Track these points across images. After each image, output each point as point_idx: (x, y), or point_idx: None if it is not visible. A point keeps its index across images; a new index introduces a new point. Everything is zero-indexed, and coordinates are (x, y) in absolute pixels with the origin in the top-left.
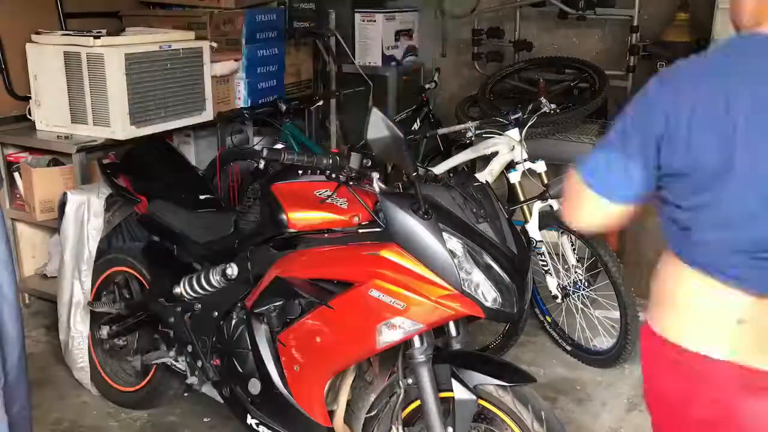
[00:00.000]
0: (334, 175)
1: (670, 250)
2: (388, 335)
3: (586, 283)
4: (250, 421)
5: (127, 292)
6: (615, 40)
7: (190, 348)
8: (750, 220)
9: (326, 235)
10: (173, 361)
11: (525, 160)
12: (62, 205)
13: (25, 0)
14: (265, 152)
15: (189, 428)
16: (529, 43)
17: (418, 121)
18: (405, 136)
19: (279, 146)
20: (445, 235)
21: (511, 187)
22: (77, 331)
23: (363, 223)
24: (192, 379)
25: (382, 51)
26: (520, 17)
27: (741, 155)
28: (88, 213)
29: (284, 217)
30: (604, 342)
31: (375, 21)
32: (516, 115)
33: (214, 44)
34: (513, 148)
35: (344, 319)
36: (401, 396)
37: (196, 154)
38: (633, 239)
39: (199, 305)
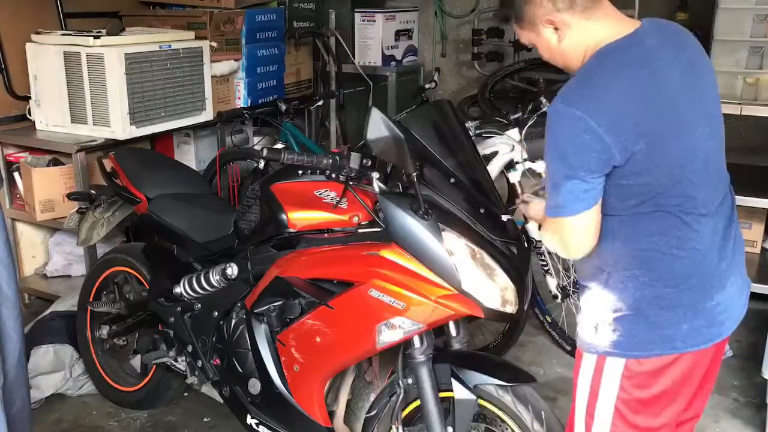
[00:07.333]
0: (334, 175)
1: None
2: (388, 335)
3: None
4: (250, 421)
5: (127, 292)
6: None
7: (190, 348)
8: None
9: (326, 235)
10: (173, 361)
11: (525, 160)
12: None
13: (25, 0)
14: (265, 152)
15: (189, 428)
16: None
17: None
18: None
19: (279, 146)
20: (444, 234)
21: (511, 187)
22: None
23: (363, 223)
24: (192, 379)
25: (382, 51)
26: None
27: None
28: None
29: (284, 217)
30: None
31: (375, 21)
32: (516, 115)
33: (214, 44)
34: (513, 148)
35: (344, 319)
36: (401, 396)
37: (196, 154)
38: None
39: (199, 305)
